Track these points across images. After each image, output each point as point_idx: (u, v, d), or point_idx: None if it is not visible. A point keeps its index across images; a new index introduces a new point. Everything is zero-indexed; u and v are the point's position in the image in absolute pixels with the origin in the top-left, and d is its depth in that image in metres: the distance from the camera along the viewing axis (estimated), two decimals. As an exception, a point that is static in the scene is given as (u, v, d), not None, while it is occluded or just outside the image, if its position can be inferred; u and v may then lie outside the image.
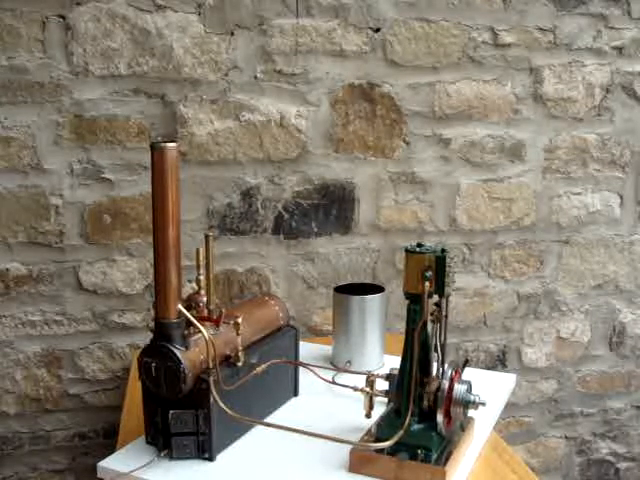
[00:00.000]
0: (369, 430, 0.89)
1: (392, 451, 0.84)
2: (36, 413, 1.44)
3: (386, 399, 0.92)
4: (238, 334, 0.89)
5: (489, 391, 0.99)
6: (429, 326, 0.85)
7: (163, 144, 0.80)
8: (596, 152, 1.60)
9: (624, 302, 1.70)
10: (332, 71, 1.42)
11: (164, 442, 0.87)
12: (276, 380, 1.02)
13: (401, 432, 0.82)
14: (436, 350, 0.86)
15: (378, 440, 0.85)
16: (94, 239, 1.38)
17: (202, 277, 0.87)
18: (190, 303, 0.87)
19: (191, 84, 1.37)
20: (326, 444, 0.86)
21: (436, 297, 0.84)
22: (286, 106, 1.41)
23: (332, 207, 1.49)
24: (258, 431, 0.95)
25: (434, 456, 0.83)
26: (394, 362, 0.93)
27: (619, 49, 1.56)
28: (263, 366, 0.95)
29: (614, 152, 1.61)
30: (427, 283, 0.82)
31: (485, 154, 1.54)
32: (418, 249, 0.84)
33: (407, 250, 0.85)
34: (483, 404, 0.87)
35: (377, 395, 0.91)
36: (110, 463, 0.87)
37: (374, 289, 1.22)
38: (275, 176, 1.44)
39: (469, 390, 0.88)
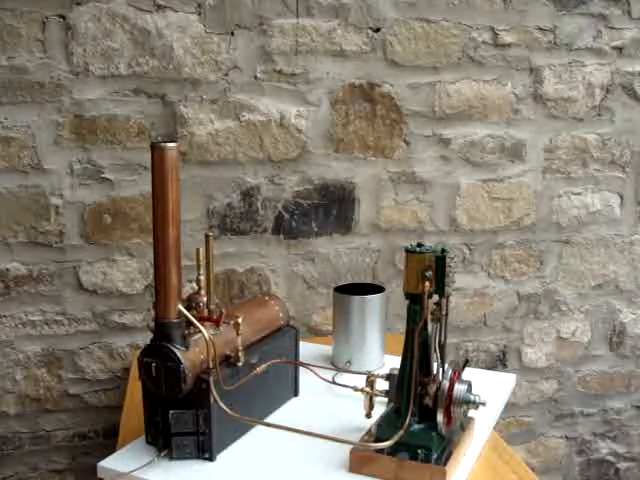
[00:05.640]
0: (369, 430, 0.89)
1: (392, 451, 0.84)
2: (36, 413, 1.44)
3: (386, 399, 0.92)
4: (238, 334, 0.89)
5: (489, 391, 0.99)
6: (429, 326, 0.85)
7: (163, 144, 0.80)
8: (596, 152, 1.60)
9: (624, 302, 1.70)
10: (332, 71, 1.42)
11: (164, 442, 0.87)
12: (276, 380, 1.02)
13: (401, 432, 0.82)
14: (436, 350, 0.86)
15: (378, 440, 0.85)
16: (94, 239, 1.38)
17: (202, 277, 0.87)
18: (190, 303, 0.87)
19: (191, 84, 1.37)
20: (326, 444, 0.86)
21: (436, 297, 0.84)
22: (286, 106, 1.41)
23: (332, 207, 1.49)
24: (258, 431, 0.95)
25: (434, 456, 0.83)
26: (394, 362, 0.93)
27: (619, 49, 1.56)
28: (263, 366, 0.95)
29: (614, 152, 1.61)
30: (427, 283, 0.82)
31: (485, 154, 1.54)
32: (418, 249, 0.84)
33: (407, 250, 0.85)
34: (483, 404, 0.87)
35: (377, 395, 0.91)
36: (110, 463, 0.87)
37: (374, 289, 1.22)
38: (275, 176, 1.44)
39: (469, 390, 0.88)
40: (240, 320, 0.89)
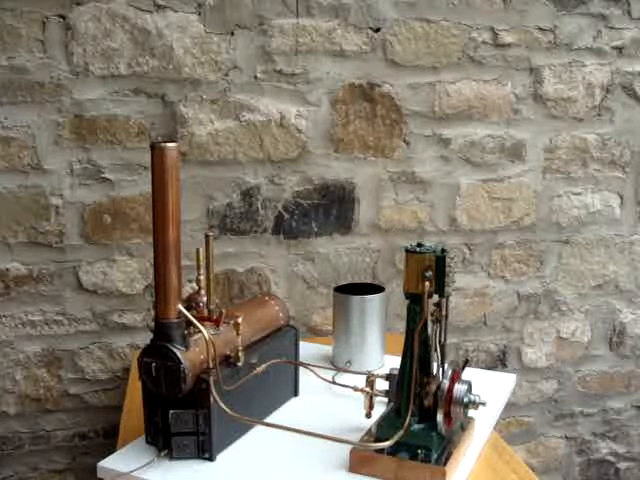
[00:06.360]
0: (369, 430, 0.89)
1: (392, 451, 0.84)
2: (36, 413, 1.44)
3: (386, 399, 0.92)
4: (238, 334, 0.89)
5: (489, 391, 0.99)
6: (429, 326, 0.85)
7: (163, 144, 0.80)
8: (596, 152, 1.60)
9: (624, 302, 1.70)
10: (332, 71, 1.42)
11: (164, 442, 0.87)
12: (276, 380, 1.02)
13: (401, 432, 0.82)
14: (436, 350, 0.86)
15: (378, 440, 0.85)
16: (94, 239, 1.38)
17: (202, 277, 0.87)
18: (190, 303, 0.87)
19: (191, 84, 1.37)
20: (326, 444, 0.86)
21: (436, 297, 0.84)
22: (286, 106, 1.41)
23: (332, 207, 1.49)
24: (258, 431, 0.95)
25: (434, 456, 0.83)
26: (394, 362, 0.93)
27: (619, 49, 1.56)
28: (263, 366, 0.95)
29: (614, 152, 1.61)
30: (427, 283, 0.82)
31: (485, 154, 1.54)
32: (418, 249, 0.84)
33: (407, 250, 0.85)
34: (483, 404, 0.87)
35: (377, 395, 0.91)
36: (110, 463, 0.87)
37: (374, 289, 1.22)
38: (275, 176, 1.44)
39: (469, 390, 0.88)
40: (240, 320, 0.89)
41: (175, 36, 1.34)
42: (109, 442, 1.43)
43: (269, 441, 0.93)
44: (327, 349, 1.27)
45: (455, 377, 0.87)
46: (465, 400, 0.86)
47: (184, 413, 0.85)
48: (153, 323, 0.85)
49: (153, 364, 0.83)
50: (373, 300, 1.19)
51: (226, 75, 1.38)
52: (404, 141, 1.49)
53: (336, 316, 1.23)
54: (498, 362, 1.66)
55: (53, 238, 1.36)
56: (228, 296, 1.46)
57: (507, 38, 1.49)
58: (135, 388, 1.04)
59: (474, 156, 1.53)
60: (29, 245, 1.36)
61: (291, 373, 1.07)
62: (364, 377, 0.92)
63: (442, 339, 0.86)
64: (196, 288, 0.88)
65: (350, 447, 0.86)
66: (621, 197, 1.64)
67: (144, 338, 1.36)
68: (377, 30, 1.43)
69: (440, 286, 0.83)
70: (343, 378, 1.10)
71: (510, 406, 1.62)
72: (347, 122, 1.45)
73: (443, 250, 0.83)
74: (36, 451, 1.46)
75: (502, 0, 1.47)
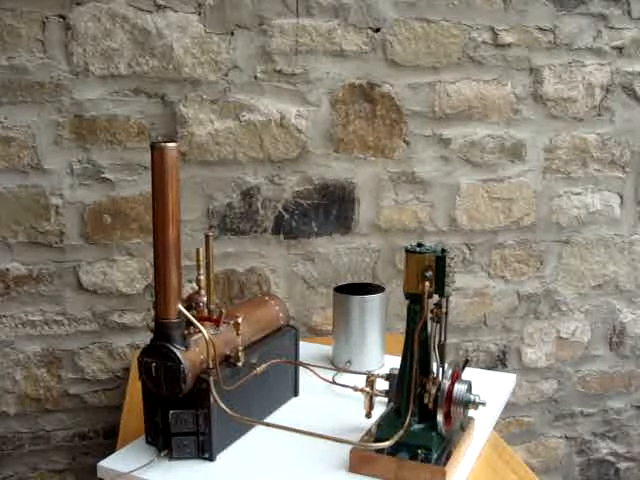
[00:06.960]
0: (369, 430, 0.89)
1: (392, 451, 0.84)
2: (36, 413, 1.44)
3: (386, 399, 0.92)
4: (238, 334, 0.89)
5: (489, 391, 0.99)
6: (429, 326, 0.85)
7: (163, 144, 0.80)
8: (596, 152, 1.60)
9: (624, 302, 1.70)
10: (332, 71, 1.42)
11: (164, 442, 0.87)
12: (276, 380, 1.02)
13: (401, 432, 0.82)
14: (436, 350, 0.86)
15: (378, 440, 0.85)
16: (94, 239, 1.38)
17: (202, 277, 0.87)
18: (190, 303, 0.87)
19: (191, 84, 1.37)
20: (326, 444, 0.86)
21: (436, 297, 0.84)
22: (286, 106, 1.41)
23: (332, 207, 1.49)
24: (258, 431, 0.95)
25: (434, 456, 0.83)
26: (394, 362, 0.93)
27: (619, 49, 1.56)
28: (263, 366, 0.95)
29: (614, 152, 1.61)
30: (427, 283, 0.82)
31: (485, 154, 1.54)
32: (418, 249, 0.84)
33: (407, 250, 0.85)
34: (483, 404, 0.87)
35: (377, 395, 0.91)
36: (110, 463, 0.87)
37: (374, 289, 1.22)
38: (275, 176, 1.44)
39: (469, 390, 0.88)
40: (240, 320, 0.89)
41: (175, 36, 1.34)
42: (109, 442, 1.43)
43: (269, 441, 0.93)
44: (327, 349, 1.27)
45: (455, 377, 0.87)
46: (465, 400, 0.86)
47: (184, 413, 0.85)
48: (153, 323, 0.85)
49: (153, 364, 0.83)
50: (373, 300, 1.19)
51: (226, 75, 1.38)
52: (404, 141, 1.49)
53: (336, 316, 1.23)
54: (498, 362, 1.66)
55: (53, 238, 1.36)
56: (228, 296, 1.46)
57: (507, 38, 1.49)
58: (135, 388, 1.04)
59: (474, 156, 1.53)
60: (29, 245, 1.36)
61: (291, 373, 1.07)
62: (364, 377, 0.92)
63: (442, 339, 0.86)
64: (196, 288, 0.88)
65: (350, 447, 0.86)
66: (621, 197, 1.64)
67: (144, 338, 1.36)
68: (377, 30, 1.43)
69: (440, 286, 0.83)
70: (343, 378, 1.11)
71: (510, 406, 1.62)
72: (347, 122, 1.45)
73: (443, 250, 0.83)
74: (36, 451, 1.46)
75: (502, 0, 1.47)
